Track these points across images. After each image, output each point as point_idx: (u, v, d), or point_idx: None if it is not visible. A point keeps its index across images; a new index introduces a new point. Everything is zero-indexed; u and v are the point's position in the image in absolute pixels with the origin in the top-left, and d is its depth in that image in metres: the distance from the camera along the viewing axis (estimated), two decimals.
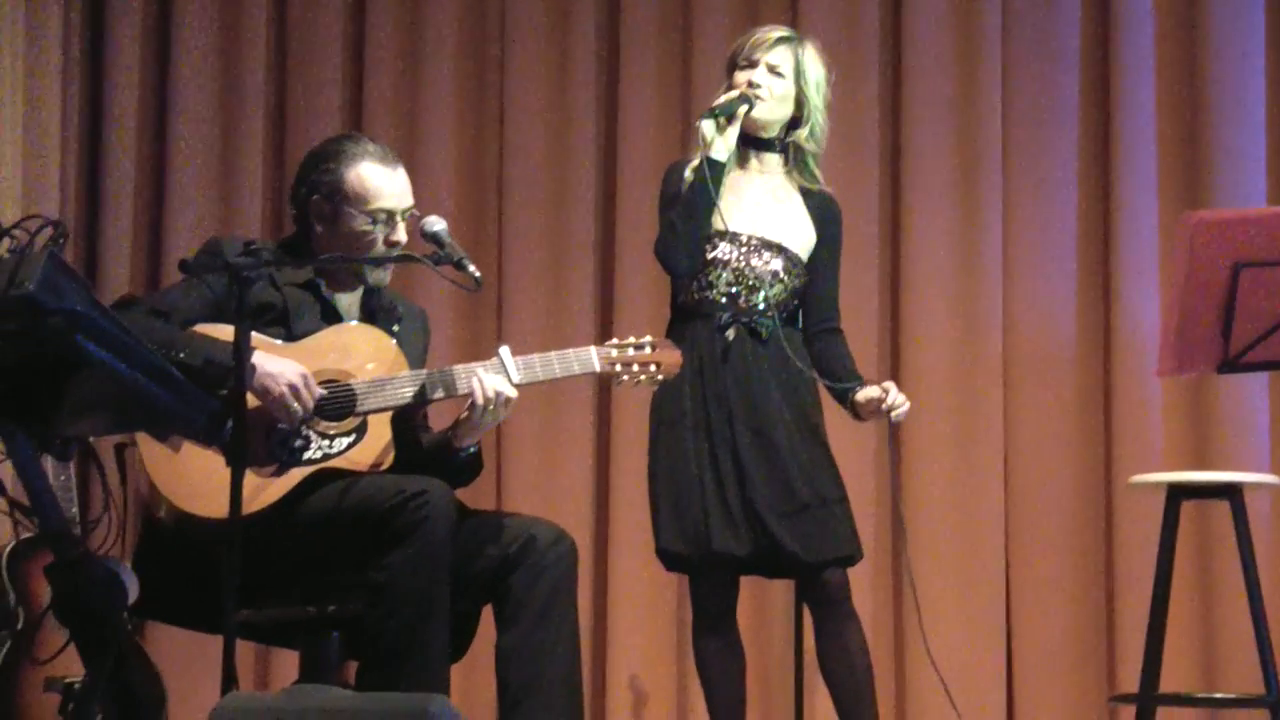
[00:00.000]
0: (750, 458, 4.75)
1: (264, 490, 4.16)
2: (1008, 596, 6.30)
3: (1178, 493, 5.35)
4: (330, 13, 6.70)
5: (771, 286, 4.82)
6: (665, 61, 6.64)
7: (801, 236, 4.89)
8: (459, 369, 4.32)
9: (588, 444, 6.53)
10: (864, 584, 6.00)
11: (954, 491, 6.25)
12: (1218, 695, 5.96)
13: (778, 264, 4.83)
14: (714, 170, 4.76)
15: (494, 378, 4.28)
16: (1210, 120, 6.35)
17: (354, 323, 4.43)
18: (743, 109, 4.80)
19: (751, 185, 4.88)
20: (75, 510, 5.43)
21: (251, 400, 4.09)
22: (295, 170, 4.50)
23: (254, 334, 4.19)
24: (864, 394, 4.83)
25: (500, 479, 6.49)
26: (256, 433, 4.16)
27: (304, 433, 4.22)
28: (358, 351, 4.33)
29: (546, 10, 6.67)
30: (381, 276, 4.46)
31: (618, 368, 4.44)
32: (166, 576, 4.27)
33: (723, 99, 4.81)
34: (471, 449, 4.40)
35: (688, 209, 4.78)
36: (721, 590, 4.85)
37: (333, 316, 4.41)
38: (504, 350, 4.34)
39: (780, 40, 4.92)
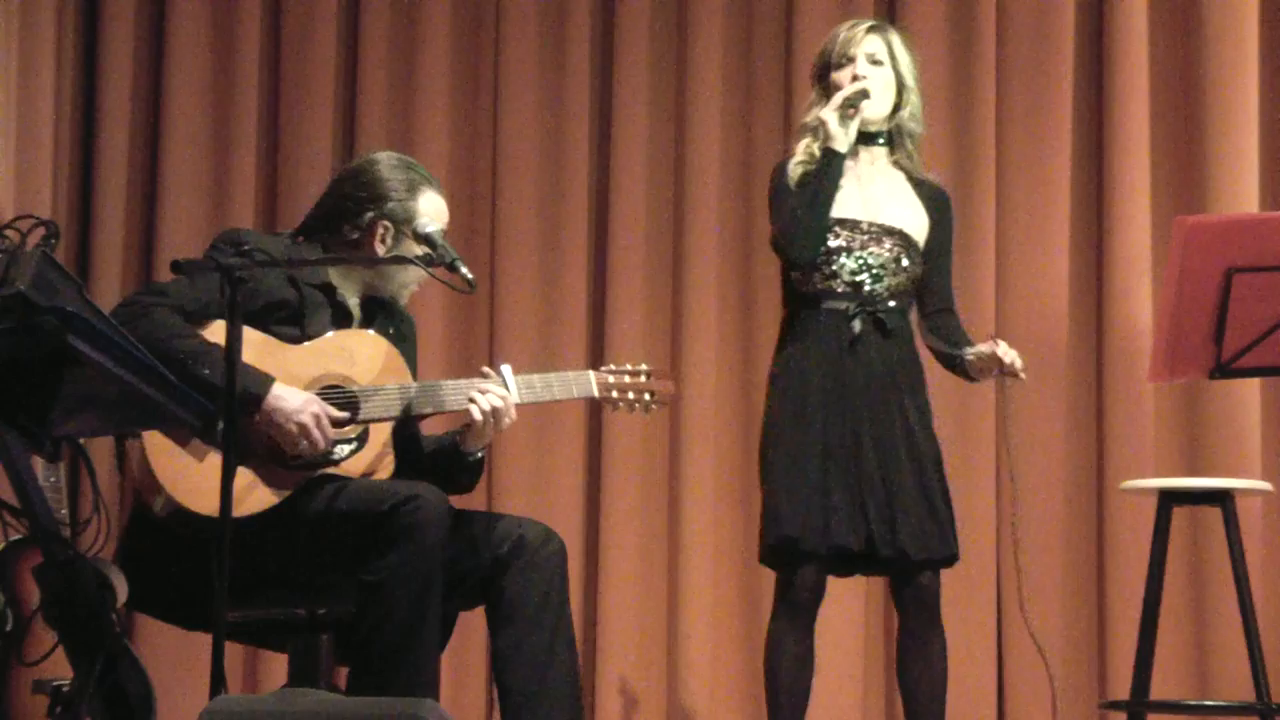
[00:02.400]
0: (875, 452, 4.72)
1: (263, 493, 4.17)
2: (999, 601, 6.29)
3: (1169, 498, 5.35)
4: (324, 12, 6.68)
5: (895, 275, 4.81)
6: (660, 65, 6.63)
7: (918, 223, 4.89)
8: (462, 383, 4.35)
9: (579, 445, 6.52)
10: (858, 588, 6.00)
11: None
12: (1208, 702, 5.95)
13: (899, 251, 4.81)
14: (836, 161, 4.76)
15: (495, 395, 4.30)
16: (1204, 125, 6.35)
17: (360, 329, 4.43)
18: (864, 101, 4.79)
19: (865, 174, 4.86)
20: (65, 511, 5.42)
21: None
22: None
23: (264, 335, 4.23)
24: (974, 351, 4.82)
25: (491, 480, 6.48)
26: (258, 436, 4.16)
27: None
28: (362, 358, 4.34)
29: (540, 15, 6.65)
30: (403, 294, 4.47)
31: (614, 394, 4.51)
32: (152, 570, 4.26)
33: (846, 92, 4.78)
34: (480, 453, 4.43)
35: (810, 198, 4.76)
36: (818, 586, 4.79)
37: (343, 319, 4.42)
38: (506, 369, 4.39)
39: (871, 29, 4.92)
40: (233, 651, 6.07)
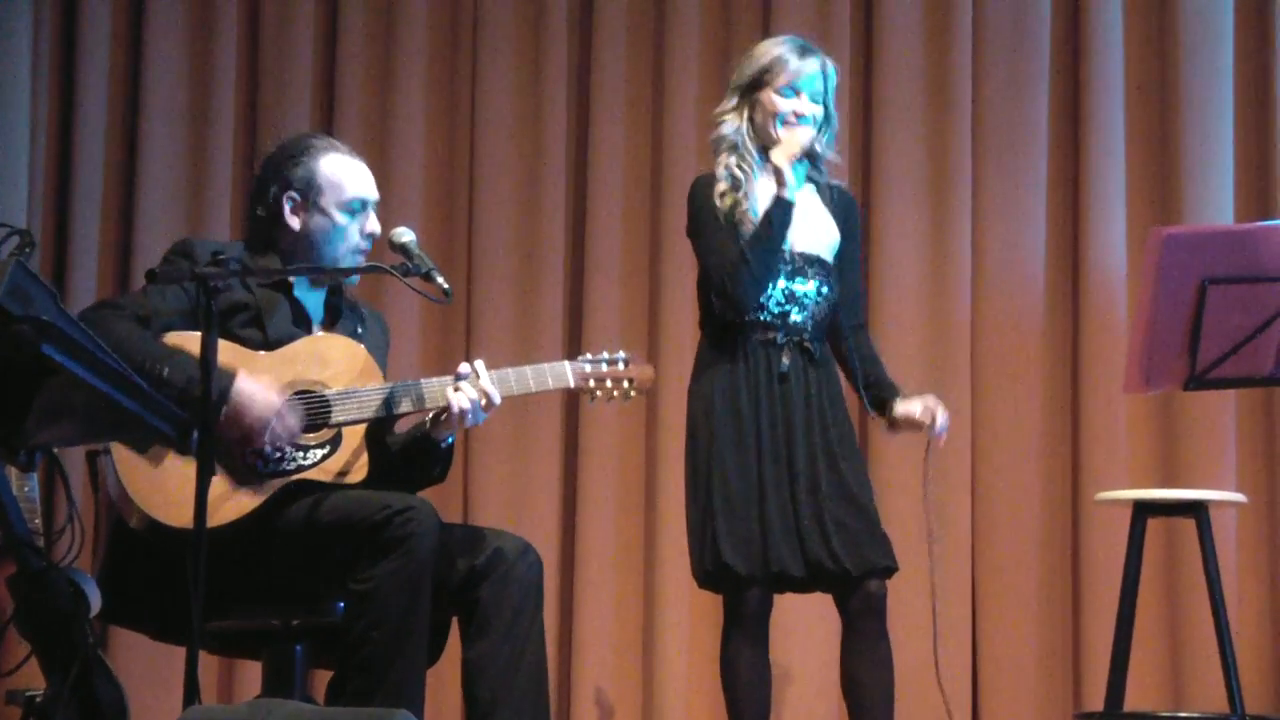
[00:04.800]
0: (810, 478, 4.70)
1: (238, 501, 4.15)
2: (974, 612, 6.29)
3: (1144, 510, 5.36)
4: (301, 23, 6.67)
5: (817, 304, 4.79)
6: (637, 74, 6.64)
7: (831, 241, 4.87)
8: (435, 381, 4.33)
9: (555, 458, 6.52)
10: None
11: (921, 505, 6.24)
12: (1183, 714, 5.95)
13: (819, 279, 4.80)
14: (790, 210, 4.71)
15: (471, 390, 4.28)
16: (1178, 135, 6.37)
17: (329, 333, 4.42)
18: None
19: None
20: (39, 522, 5.40)
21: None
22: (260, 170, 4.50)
23: (230, 343, 4.21)
24: (902, 408, 4.85)
25: (467, 492, 6.47)
26: (232, 444, 4.15)
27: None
28: (333, 361, 4.32)
29: (518, 22, 6.66)
30: (351, 279, 4.47)
31: (591, 383, 4.46)
32: (135, 584, 4.25)
33: (804, 143, 4.74)
34: (450, 438, 4.42)
35: (764, 246, 4.71)
36: (764, 602, 4.77)
37: (302, 317, 4.41)
38: (479, 364, 4.34)
39: (817, 62, 4.86)
40: (207, 661, 6.04)
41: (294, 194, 4.39)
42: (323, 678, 4.36)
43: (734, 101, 4.90)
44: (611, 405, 4.60)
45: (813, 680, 6.26)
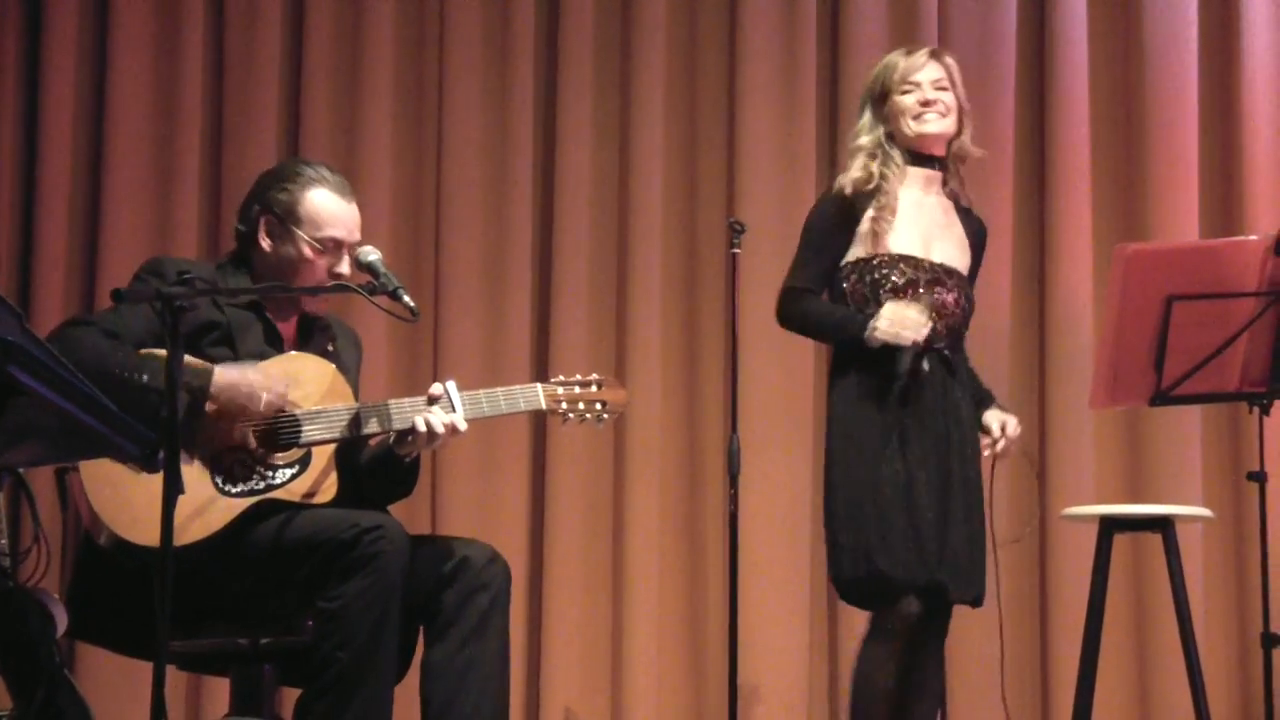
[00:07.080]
0: (940, 490, 4.68)
1: (205, 519, 4.13)
2: None
3: (1110, 525, 5.37)
4: (268, 41, 6.66)
5: (953, 315, 4.78)
6: (603, 94, 6.64)
7: (966, 261, 4.89)
8: (406, 402, 4.31)
9: (523, 477, 6.51)
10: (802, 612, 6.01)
11: None
12: None
13: (958, 291, 4.79)
14: (855, 347, 4.72)
15: (441, 415, 4.26)
16: (1144, 153, 6.41)
17: (301, 352, 4.40)
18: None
19: (927, 207, 4.81)
20: (5, 541, 5.39)
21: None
22: (246, 189, 4.48)
23: (200, 360, 4.18)
24: (986, 416, 4.86)
25: (435, 509, 6.46)
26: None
27: (248, 462, 4.21)
28: (304, 381, 4.31)
29: (484, 42, 6.66)
30: (316, 308, 4.46)
31: (563, 405, 4.42)
32: (102, 602, 4.23)
33: (898, 334, 4.65)
34: (415, 453, 4.40)
35: (823, 332, 4.86)
36: (920, 609, 4.71)
37: (274, 337, 4.39)
38: (450, 385, 4.32)
39: (932, 55, 4.90)
40: (175, 677, 6.03)
41: (272, 217, 4.38)
42: (290, 696, 4.35)
43: (866, 116, 4.91)
44: (583, 426, 4.58)
45: (779, 697, 6.26)
